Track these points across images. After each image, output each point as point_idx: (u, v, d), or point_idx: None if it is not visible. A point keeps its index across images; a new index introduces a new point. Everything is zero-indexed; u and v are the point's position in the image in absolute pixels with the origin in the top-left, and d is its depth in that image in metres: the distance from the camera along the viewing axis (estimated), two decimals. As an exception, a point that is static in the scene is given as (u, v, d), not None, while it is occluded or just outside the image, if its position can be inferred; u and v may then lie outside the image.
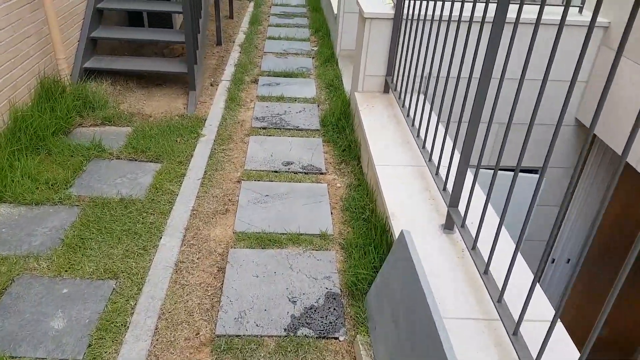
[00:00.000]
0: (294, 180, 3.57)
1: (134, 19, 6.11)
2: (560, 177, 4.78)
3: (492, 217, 2.56)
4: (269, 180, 3.54)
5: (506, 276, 1.86)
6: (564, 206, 1.56)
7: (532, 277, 2.19)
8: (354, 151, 3.91)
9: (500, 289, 1.91)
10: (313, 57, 6.29)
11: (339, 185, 3.55)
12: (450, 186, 2.58)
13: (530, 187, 4.60)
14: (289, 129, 4.41)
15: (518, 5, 1.91)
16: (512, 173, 4.36)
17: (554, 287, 5.60)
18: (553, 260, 5.47)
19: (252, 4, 8.89)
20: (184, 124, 4.23)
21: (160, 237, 2.81)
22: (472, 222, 2.46)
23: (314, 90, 5.28)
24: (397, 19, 3.73)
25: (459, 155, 2.55)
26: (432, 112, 3.02)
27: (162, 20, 6.07)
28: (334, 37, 6.20)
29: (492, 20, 2.10)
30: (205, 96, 4.96)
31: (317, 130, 4.42)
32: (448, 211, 2.45)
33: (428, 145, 3.01)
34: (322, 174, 3.70)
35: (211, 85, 5.24)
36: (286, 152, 3.97)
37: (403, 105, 3.54)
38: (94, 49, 4.93)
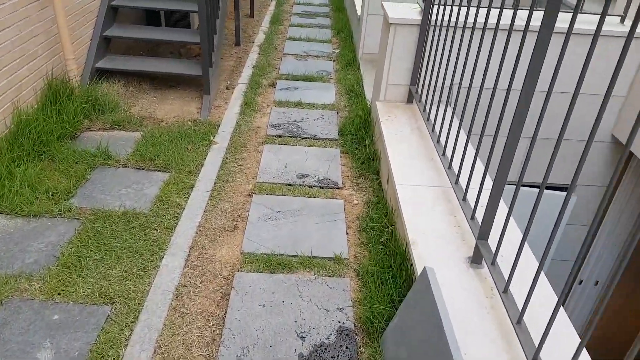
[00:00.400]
0: (309, 195, 3.35)
1: (151, 17, 5.96)
2: (594, 195, 4.47)
3: (525, 248, 2.31)
4: (282, 195, 3.33)
5: (544, 333, 1.61)
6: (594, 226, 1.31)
7: (573, 330, 1.93)
8: (374, 165, 3.67)
9: (536, 346, 1.66)
10: (334, 60, 6.06)
11: (356, 202, 3.31)
12: (479, 215, 2.33)
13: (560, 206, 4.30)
14: (306, 138, 4.19)
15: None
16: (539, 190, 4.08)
17: (579, 309, 5.28)
18: (580, 282, 5.17)
19: (274, 2, 8.69)
20: (196, 130, 4.05)
21: (162, 257, 2.62)
22: (502, 255, 2.21)
23: (333, 96, 5.06)
24: (425, 25, 3.47)
25: (491, 182, 2.30)
26: (461, 128, 2.77)
27: (179, 19, 5.91)
28: (357, 39, 5.96)
29: (536, 29, 1.85)
30: (220, 100, 4.77)
31: (335, 139, 4.19)
32: (476, 244, 2.20)
33: (455, 166, 2.75)
34: (338, 188, 3.48)
35: (227, 88, 5.05)
36: (301, 164, 3.75)
37: (428, 119, 3.28)
38: (107, 48, 4.78)
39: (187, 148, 3.78)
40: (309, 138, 4.20)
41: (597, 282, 5.12)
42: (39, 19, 3.71)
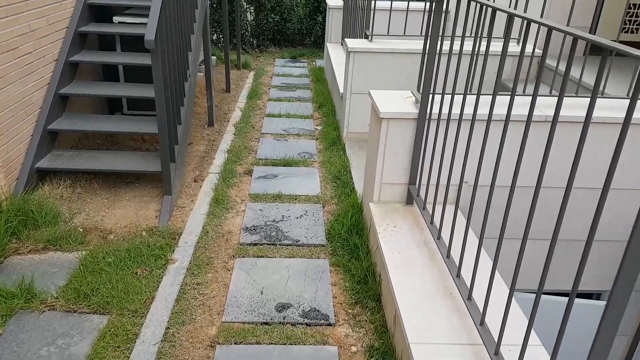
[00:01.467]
0: (292, 340, 2.57)
1: (113, 101, 5.33)
2: (630, 301, 3.76)
3: None
4: (256, 342, 2.55)
5: None
6: None
7: None
8: (372, 287, 2.93)
9: None
10: (317, 139, 5.45)
11: (354, 348, 2.54)
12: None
13: (591, 316, 3.57)
14: (287, 245, 3.46)
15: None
16: (563, 299, 3.35)
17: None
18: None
19: (252, 73, 8.21)
20: (152, 243, 3.30)
21: None
22: None
23: (317, 185, 4.38)
24: (422, 118, 2.85)
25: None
26: (497, 260, 2.08)
27: (144, 103, 5.28)
28: (340, 116, 5.39)
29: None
30: (186, 197, 4.06)
31: (323, 246, 3.47)
32: None
33: (490, 320, 2.02)
34: (330, 325, 2.71)
35: (195, 181, 4.36)
36: (282, 286, 3.00)
37: (439, 237, 2.59)
38: (53, 143, 4.10)
39: (136, 273, 3.02)
40: (291, 245, 3.47)
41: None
42: (-47, 122, 3.03)
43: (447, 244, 2.44)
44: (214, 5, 9.11)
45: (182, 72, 4.11)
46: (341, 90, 5.23)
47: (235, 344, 2.52)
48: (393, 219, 3.03)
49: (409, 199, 3.16)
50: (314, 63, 8.95)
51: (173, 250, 3.30)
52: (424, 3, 6.70)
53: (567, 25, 3.29)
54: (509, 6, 3.94)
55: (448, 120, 2.50)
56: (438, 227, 2.61)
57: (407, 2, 5.05)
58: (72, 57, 4.26)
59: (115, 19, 4.64)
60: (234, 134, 5.51)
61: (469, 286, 2.12)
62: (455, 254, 2.45)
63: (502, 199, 2.99)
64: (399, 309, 2.25)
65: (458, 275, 2.26)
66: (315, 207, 4.01)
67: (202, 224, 3.67)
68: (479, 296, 2.09)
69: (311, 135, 5.58)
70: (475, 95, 3.11)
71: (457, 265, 2.27)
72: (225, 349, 2.48)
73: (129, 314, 2.65)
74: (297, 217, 3.84)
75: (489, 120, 2.06)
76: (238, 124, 5.80)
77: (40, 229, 3.32)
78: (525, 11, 4.23)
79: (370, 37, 4.76)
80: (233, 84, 7.45)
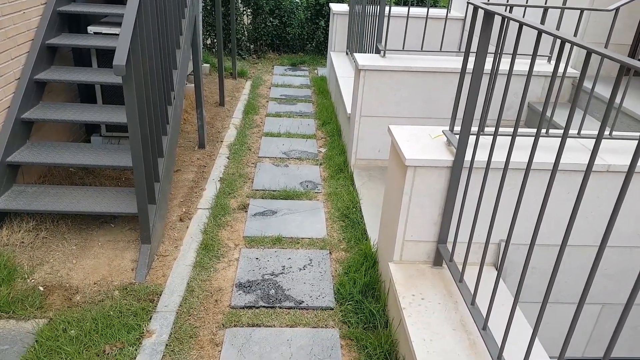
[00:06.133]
0: None
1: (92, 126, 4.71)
2: None
3: None
4: None
5: None
6: None
7: None
8: (394, 375, 2.36)
9: None
10: (321, 164, 4.87)
11: None
12: None
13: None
14: (289, 308, 2.89)
15: None
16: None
17: None
18: None
19: (248, 83, 7.62)
20: (125, 308, 2.72)
21: None
22: None
23: (323, 225, 3.80)
24: (459, 167, 2.28)
25: None
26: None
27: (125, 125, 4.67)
28: (347, 139, 4.80)
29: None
30: (170, 242, 3.47)
31: (331, 309, 2.90)
32: None
33: None
34: None
35: (181, 220, 3.77)
36: (282, 371, 2.43)
37: (484, 327, 2.01)
38: (14, 177, 3.50)
39: (104, 351, 2.44)
40: (293, 308, 2.90)
41: None
42: None
43: (499, 346, 1.86)
44: (208, 8, 8.51)
45: (165, 95, 3.52)
46: (348, 111, 4.64)
47: None
48: (419, 286, 2.45)
49: (438, 260, 2.59)
50: (315, 71, 8.37)
51: (150, 318, 2.72)
52: (446, 10, 6.12)
53: (608, 42, 2.72)
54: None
55: (487, 168, 1.93)
56: (484, 314, 2.03)
57: (426, 9, 4.48)
58: (38, 75, 3.66)
59: (91, 28, 4.04)
60: (228, 158, 4.92)
61: None
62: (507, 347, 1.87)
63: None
64: None
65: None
66: (321, 255, 3.43)
67: (186, 279, 3.08)
68: None
69: (314, 159, 5.00)
70: (517, 137, 2.54)
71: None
72: None
73: (86, 423, 2.07)
74: (300, 269, 3.27)
75: (554, 169, 1.50)
76: (232, 145, 5.21)
77: (-10, 290, 2.74)
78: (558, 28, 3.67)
79: (383, 52, 4.18)
80: (228, 95, 6.86)
